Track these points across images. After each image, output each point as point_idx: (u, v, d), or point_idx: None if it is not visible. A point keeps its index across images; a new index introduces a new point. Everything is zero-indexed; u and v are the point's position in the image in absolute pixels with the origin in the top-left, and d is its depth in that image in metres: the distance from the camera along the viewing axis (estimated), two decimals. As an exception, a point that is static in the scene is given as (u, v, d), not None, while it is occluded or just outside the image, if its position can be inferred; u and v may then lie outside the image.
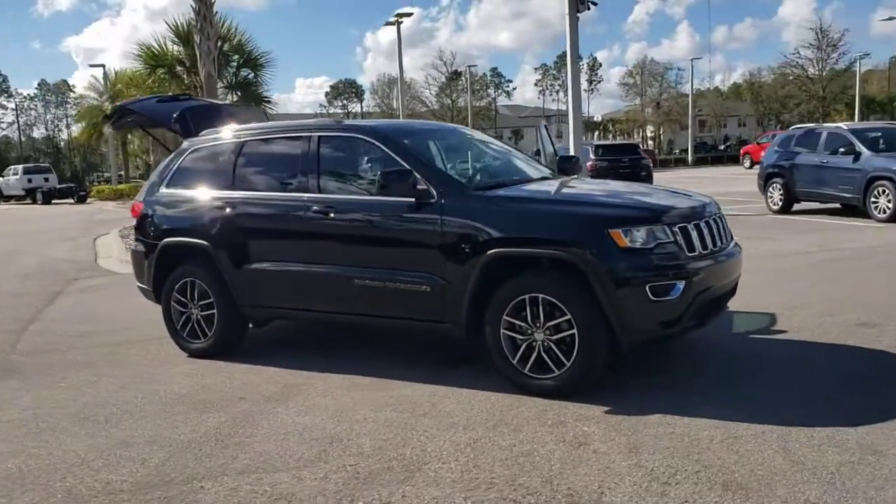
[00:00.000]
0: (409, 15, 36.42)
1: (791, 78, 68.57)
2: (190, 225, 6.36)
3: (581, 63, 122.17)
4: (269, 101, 21.76)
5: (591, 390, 4.90)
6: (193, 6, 14.82)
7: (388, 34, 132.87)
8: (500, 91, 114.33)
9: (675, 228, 4.82)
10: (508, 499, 3.58)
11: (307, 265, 5.74)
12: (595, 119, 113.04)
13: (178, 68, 19.72)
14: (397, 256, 5.40)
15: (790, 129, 18.32)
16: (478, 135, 7.11)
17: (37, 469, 4.24)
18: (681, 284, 4.72)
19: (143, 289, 6.80)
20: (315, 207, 5.68)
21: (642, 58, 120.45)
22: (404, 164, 5.39)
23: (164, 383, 5.74)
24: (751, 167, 39.94)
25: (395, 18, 35.10)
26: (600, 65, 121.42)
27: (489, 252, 4.95)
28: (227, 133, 6.54)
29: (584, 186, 6.11)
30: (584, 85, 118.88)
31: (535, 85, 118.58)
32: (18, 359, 6.78)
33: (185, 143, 6.68)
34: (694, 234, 4.91)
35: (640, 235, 4.71)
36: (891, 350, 5.65)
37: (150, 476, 4.06)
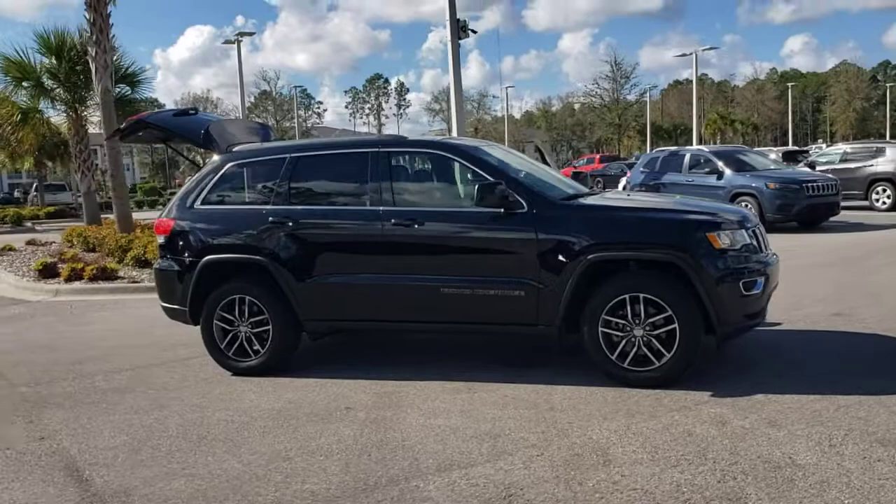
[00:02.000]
0: (251, 34, 35.77)
1: (592, 107, 73.97)
2: (240, 241, 6.27)
3: (389, 87, 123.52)
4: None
5: (678, 381, 5.39)
6: (88, 17, 13.95)
7: (177, 52, 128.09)
8: (310, 112, 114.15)
9: (751, 231, 5.49)
10: (726, 471, 4.00)
11: (387, 276, 5.87)
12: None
13: (49, 82, 18.30)
14: (488, 264, 5.69)
15: (653, 151, 20.09)
16: (514, 151, 7.51)
17: (217, 486, 4.16)
18: (761, 280, 5.40)
19: (174, 309, 6.56)
20: (394, 219, 5.83)
21: (447, 85, 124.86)
22: (489, 177, 5.70)
23: (240, 401, 5.66)
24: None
25: (236, 38, 34.40)
26: (407, 90, 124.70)
27: (590, 256, 5.37)
28: (272, 148, 6.52)
29: (649, 198, 6.67)
30: (392, 109, 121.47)
31: (346, 107, 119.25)
32: (37, 390, 6.32)
33: (219, 159, 6.55)
34: (760, 238, 5.62)
35: (730, 238, 5.34)
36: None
37: (349, 481, 4.12)
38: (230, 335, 6.30)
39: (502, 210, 5.59)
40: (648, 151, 59.80)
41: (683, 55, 47.38)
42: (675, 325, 5.25)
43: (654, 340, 5.34)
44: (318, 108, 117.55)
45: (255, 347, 6.24)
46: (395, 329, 6.33)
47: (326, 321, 6.14)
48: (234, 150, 6.62)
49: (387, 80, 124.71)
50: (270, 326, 6.16)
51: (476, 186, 5.55)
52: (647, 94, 69.54)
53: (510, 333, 6.13)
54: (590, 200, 5.97)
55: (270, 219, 6.14)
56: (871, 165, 19.56)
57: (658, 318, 5.31)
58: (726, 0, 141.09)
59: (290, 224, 6.09)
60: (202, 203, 6.46)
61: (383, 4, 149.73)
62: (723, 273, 5.25)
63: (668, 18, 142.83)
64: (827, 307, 7.71)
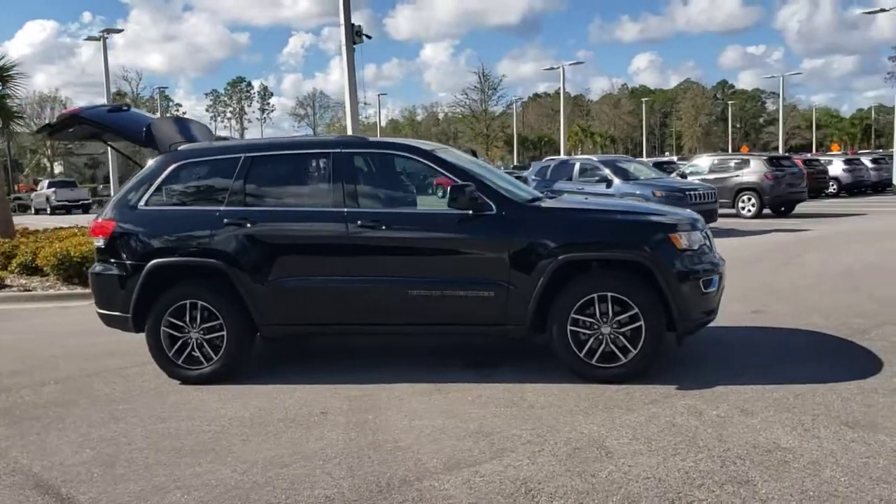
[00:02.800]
0: (119, 31, 34.06)
1: (462, 116, 75.37)
2: (192, 243, 6.02)
3: (252, 90, 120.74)
4: (20, 117, 19.22)
5: (643, 376, 5.63)
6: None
7: (16, 48, 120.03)
8: (168, 114, 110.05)
9: (703, 233, 5.82)
10: (724, 457, 4.23)
11: (352, 279, 5.80)
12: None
13: None
14: (458, 266, 5.74)
15: (544, 159, 20.70)
16: (466, 156, 7.56)
17: (221, 497, 4.01)
18: (716, 278, 5.73)
19: (113, 316, 6.21)
20: (360, 221, 5.78)
21: (312, 90, 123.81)
22: (456, 179, 5.76)
23: (203, 410, 5.44)
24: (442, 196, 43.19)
25: (101, 35, 32.73)
26: (271, 94, 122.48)
27: (560, 257, 5.53)
28: (223, 148, 6.32)
29: (605, 201, 6.89)
30: (256, 113, 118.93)
31: (207, 110, 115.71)
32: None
33: (163, 157, 6.27)
34: (710, 239, 5.96)
35: (689, 238, 5.63)
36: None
37: (360, 484, 4.06)
38: (179, 342, 6.02)
39: (470, 212, 5.64)
40: (515, 161, 62.23)
41: (552, 68, 49.05)
42: (641, 322, 5.48)
43: (620, 337, 5.53)
44: (177, 110, 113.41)
45: (207, 354, 5.99)
46: (360, 333, 6.25)
47: (287, 326, 6.00)
48: (179, 148, 6.34)
49: (249, 84, 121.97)
50: (225, 332, 5.95)
51: (449, 188, 5.58)
52: (514, 106, 71.56)
53: (477, 334, 6.18)
54: (554, 203, 6.13)
55: (225, 220, 5.93)
56: (738, 176, 20.96)
57: (624, 316, 5.52)
58: (579, 18, 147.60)
59: (248, 226, 5.91)
60: (146, 204, 6.16)
61: (242, 6, 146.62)
62: (685, 272, 5.53)
63: (526, 33, 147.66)
64: (745, 306, 8.22)
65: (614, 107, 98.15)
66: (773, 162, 20.97)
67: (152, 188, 6.17)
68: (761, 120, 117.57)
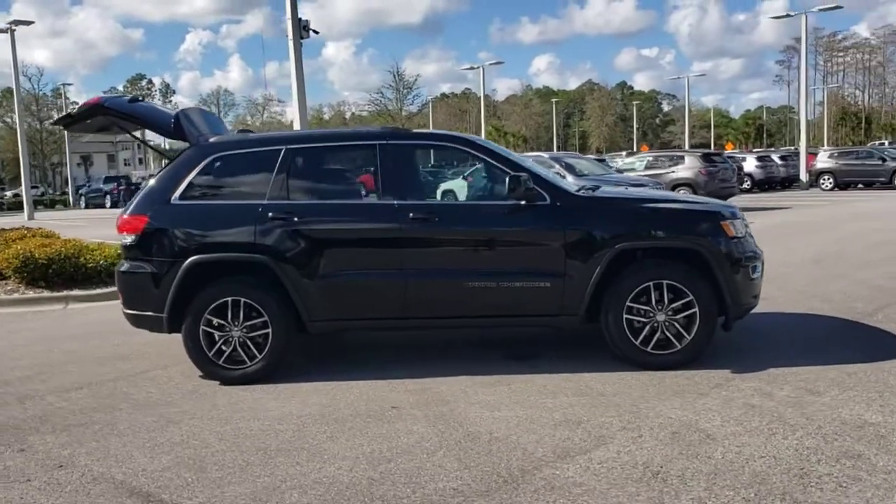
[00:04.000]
0: (30, 23, 32.32)
1: (378, 114, 75.16)
2: (235, 238, 5.81)
3: (153, 88, 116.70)
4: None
5: (695, 362, 5.76)
6: None
7: None
8: (65, 112, 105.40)
9: (744, 223, 6.02)
10: (823, 434, 4.39)
11: (405, 272, 5.72)
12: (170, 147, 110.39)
13: None
14: (513, 257, 5.74)
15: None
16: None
17: (345, 493, 3.90)
18: (759, 265, 5.93)
19: (145, 317, 5.94)
20: (412, 213, 5.71)
21: (217, 88, 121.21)
22: (508, 170, 5.76)
23: (263, 410, 5.27)
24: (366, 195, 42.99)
25: (9, 26, 31.07)
26: (174, 91, 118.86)
27: (617, 246, 5.60)
28: (262, 139, 6.14)
29: (648, 192, 6.97)
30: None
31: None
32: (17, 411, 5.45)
33: (197, 150, 6.02)
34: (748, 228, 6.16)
35: (737, 226, 5.80)
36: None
37: (480, 476, 4.02)
38: (221, 341, 5.80)
39: (524, 202, 5.65)
40: (432, 161, 62.25)
41: (472, 68, 49.41)
42: (695, 309, 5.61)
43: (675, 324, 5.64)
44: (73, 107, 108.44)
45: (250, 353, 5.79)
46: (412, 327, 6.15)
47: (336, 321, 5.85)
48: (211, 140, 6.10)
49: (150, 81, 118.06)
50: (270, 329, 5.76)
51: (508, 178, 5.57)
52: (430, 106, 71.79)
53: (530, 325, 6.17)
54: (606, 193, 6.20)
55: (270, 214, 5.75)
56: (673, 172, 21.66)
57: (678, 303, 5.63)
58: (481, 19, 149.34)
59: (295, 220, 5.74)
60: (181, 198, 5.90)
61: (135, 2, 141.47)
62: (736, 258, 5.69)
63: (428, 33, 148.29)
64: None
65: (525, 107, 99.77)
66: (707, 158, 21.75)
67: (186, 181, 5.92)
68: (657, 121, 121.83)
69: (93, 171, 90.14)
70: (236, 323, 5.76)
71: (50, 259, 10.06)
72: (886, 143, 60.41)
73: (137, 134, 7.28)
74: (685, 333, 5.64)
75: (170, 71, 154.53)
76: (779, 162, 35.06)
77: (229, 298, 5.75)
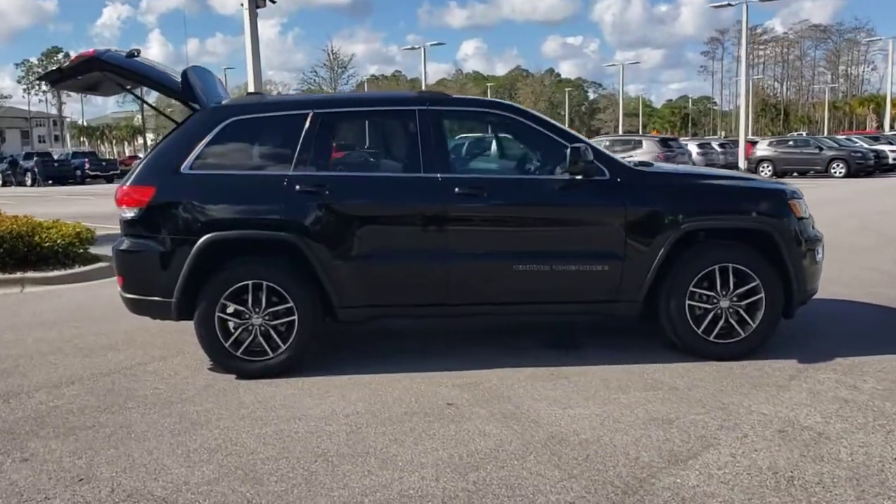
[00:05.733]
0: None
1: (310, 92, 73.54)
2: (257, 214, 5.14)
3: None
4: None
5: (757, 352, 5.36)
6: None
7: None
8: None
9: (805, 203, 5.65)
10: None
11: (448, 254, 5.15)
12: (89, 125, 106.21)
13: None
14: (568, 238, 5.23)
15: (457, 137, 20.26)
16: None
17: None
18: (822, 247, 5.57)
19: (150, 302, 5.22)
20: (458, 188, 5.14)
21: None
22: (564, 141, 5.25)
23: (299, 408, 4.66)
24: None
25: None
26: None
27: (683, 226, 5.16)
28: (285, 103, 5.47)
29: (697, 169, 6.50)
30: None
31: (19, 82, 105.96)
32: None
33: (210, 113, 5.30)
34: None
35: (803, 206, 5.43)
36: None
37: (592, 486, 3.55)
38: (240, 330, 5.13)
39: (581, 177, 5.14)
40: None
41: (413, 48, 48.65)
42: (762, 294, 5.21)
43: (739, 311, 5.23)
44: (64, 61, 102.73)
45: (272, 343, 5.14)
46: (454, 315, 5.55)
47: (371, 308, 5.24)
48: (225, 103, 5.40)
49: (67, 55, 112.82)
50: (296, 317, 5.11)
51: (568, 150, 5.04)
52: (365, 85, 70.54)
53: (584, 313, 5.66)
54: (670, 169, 5.74)
55: (298, 188, 5.09)
56: (631, 156, 21.45)
57: (744, 288, 5.22)
58: (409, 1, 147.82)
59: (326, 193, 5.09)
60: (192, 167, 5.18)
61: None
62: (804, 240, 5.32)
63: (356, 14, 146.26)
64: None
65: (459, 91, 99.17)
66: (665, 143, 21.69)
67: (198, 148, 5.20)
68: (583, 108, 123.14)
69: (5, 147, 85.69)
70: (257, 309, 5.10)
71: (0, 238, 9.06)
72: (804, 133, 62.25)
73: (140, 96, 6.43)
74: (749, 321, 5.24)
75: (86, 45, 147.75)
76: (718, 149, 35.48)
77: (249, 282, 5.07)
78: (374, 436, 4.15)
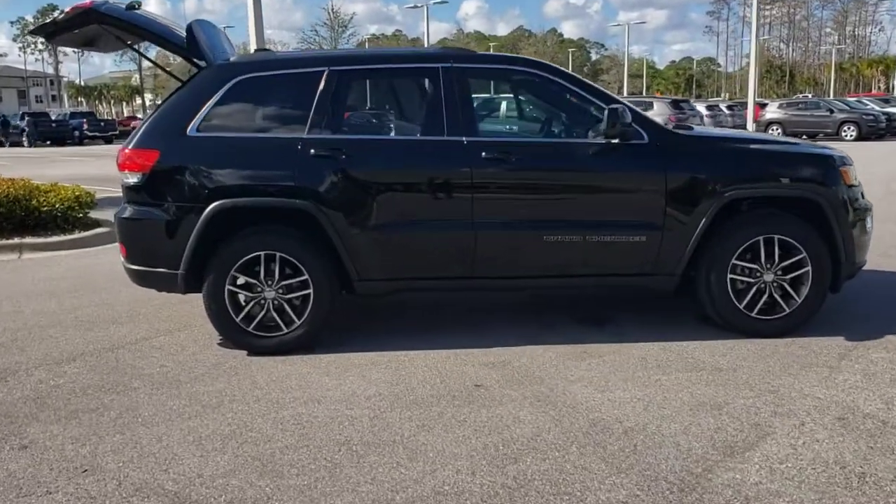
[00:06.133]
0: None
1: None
2: (269, 180, 4.78)
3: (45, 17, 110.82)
4: None
5: (801, 328, 5.04)
6: None
7: None
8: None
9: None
10: None
11: (474, 223, 4.80)
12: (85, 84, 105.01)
13: None
14: (603, 206, 4.88)
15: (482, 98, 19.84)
16: None
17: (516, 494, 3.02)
18: (871, 217, 5.21)
19: (155, 273, 4.88)
20: (485, 153, 4.77)
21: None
22: (599, 101, 4.87)
23: (322, 390, 4.34)
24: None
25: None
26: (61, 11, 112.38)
27: (727, 194, 4.80)
28: (298, 59, 5.07)
29: (738, 133, 6.12)
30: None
31: (14, 40, 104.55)
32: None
33: (216, 72, 4.91)
34: None
35: (853, 173, 5.06)
36: None
37: (644, 482, 3.23)
38: (252, 304, 4.80)
39: (617, 141, 4.76)
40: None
41: (415, 7, 47.77)
42: (808, 267, 4.87)
43: (785, 285, 4.89)
44: (58, 14, 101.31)
45: (287, 318, 4.81)
46: (478, 288, 5.22)
47: (391, 281, 4.90)
48: (234, 60, 5.00)
49: (63, 13, 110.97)
50: (311, 290, 4.78)
51: (606, 112, 4.66)
52: (366, 44, 69.49)
53: (616, 286, 5.31)
54: (705, 132, 5.35)
55: (313, 151, 4.72)
56: (642, 118, 20.98)
57: (789, 261, 4.88)
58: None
59: (343, 157, 4.72)
60: (199, 129, 4.80)
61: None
62: (855, 209, 4.96)
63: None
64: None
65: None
66: (676, 105, 21.19)
67: (205, 109, 4.82)
68: (586, 69, 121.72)
69: (1, 107, 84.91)
70: (269, 282, 4.76)
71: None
72: (809, 95, 61.49)
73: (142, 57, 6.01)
74: (794, 295, 4.90)
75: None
76: (727, 112, 34.91)
77: (261, 253, 4.73)
78: (399, 421, 3.83)
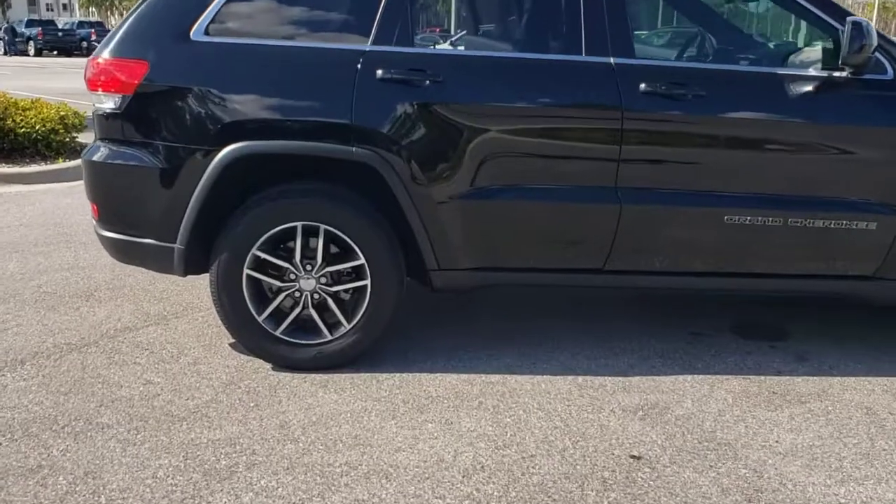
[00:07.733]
0: None
1: None
2: (316, 114, 3.11)
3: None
4: None
5: None
6: None
7: None
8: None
9: None
10: None
11: (623, 191, 3.15)
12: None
13: None
14: (817, 174, 3.22)
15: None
16: None
17: None
18: None
19: (141, 245, 3.29)
20: (644, 83, 3.08)
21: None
22: (830, 18, 3.16)
23: (387, 442, 2.84)
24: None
25: None
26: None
27: None
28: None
29: None
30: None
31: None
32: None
33: (235, -58, 3.20)
34: None
35: None
36: None
37: None
38: (282, 297, 3.21)
39: (849, 75, 3.06)
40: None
41: None
42: None
43: None
44: None
45: (332, 319, 3.22)
46: (613, 286, 3.52)
47: (486, 272, 3.29)
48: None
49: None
50: (369, 280, 3.17)
51: (847, 28, 2.94)
52: None
53: (821, 293, 3.59)
54: None
55: (380, 72, 3.02)
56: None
57: None
58: None
59: (428, 84, 3.04)
60: (206, 32, 3.12)
61: None
62: None
63: None
64: None
65: None
66: None
67: (217, 3, 3.11)
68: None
69: (11, 14, 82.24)
70: (309, 267, 3.14)
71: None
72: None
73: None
74: None
75: None
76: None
77: (298, 224, 3.11)
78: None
